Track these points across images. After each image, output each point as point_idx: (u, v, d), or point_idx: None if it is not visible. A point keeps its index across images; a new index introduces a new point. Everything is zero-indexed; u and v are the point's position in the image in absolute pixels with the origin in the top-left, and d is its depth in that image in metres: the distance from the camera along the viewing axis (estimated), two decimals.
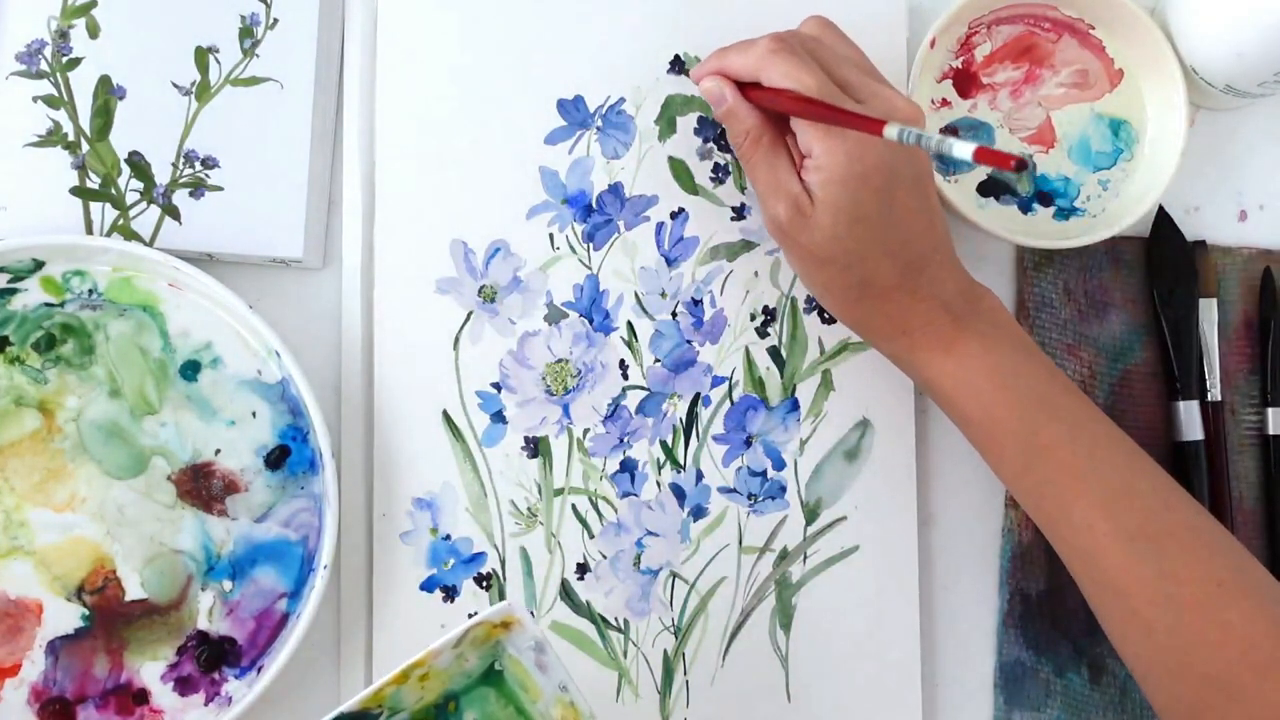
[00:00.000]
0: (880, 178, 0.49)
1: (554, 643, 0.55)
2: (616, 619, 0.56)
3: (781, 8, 0.58)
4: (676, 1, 0.58)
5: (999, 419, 0.51)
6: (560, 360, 0.56)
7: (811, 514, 0.57)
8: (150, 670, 0.53)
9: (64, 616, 0.53)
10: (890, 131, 0.44)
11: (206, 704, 0.53)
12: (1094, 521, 0.49)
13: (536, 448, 0.56)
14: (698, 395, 0.57)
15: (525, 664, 0.48)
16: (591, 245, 0.57)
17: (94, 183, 0.54)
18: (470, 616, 0.55)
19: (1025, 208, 0.59)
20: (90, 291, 0.54)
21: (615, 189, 0.57)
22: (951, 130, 0.59)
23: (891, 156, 0.49)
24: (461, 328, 0.56)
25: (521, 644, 0.47)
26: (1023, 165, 0.39)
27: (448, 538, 0.55)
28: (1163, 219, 0.60)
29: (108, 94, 0.54)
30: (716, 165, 0.58)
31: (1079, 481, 0.50)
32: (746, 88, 0.51)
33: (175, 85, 0.55)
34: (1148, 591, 0.48)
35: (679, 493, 0.57)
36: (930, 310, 0.51)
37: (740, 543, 0.57)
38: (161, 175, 0.54)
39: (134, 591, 0.53)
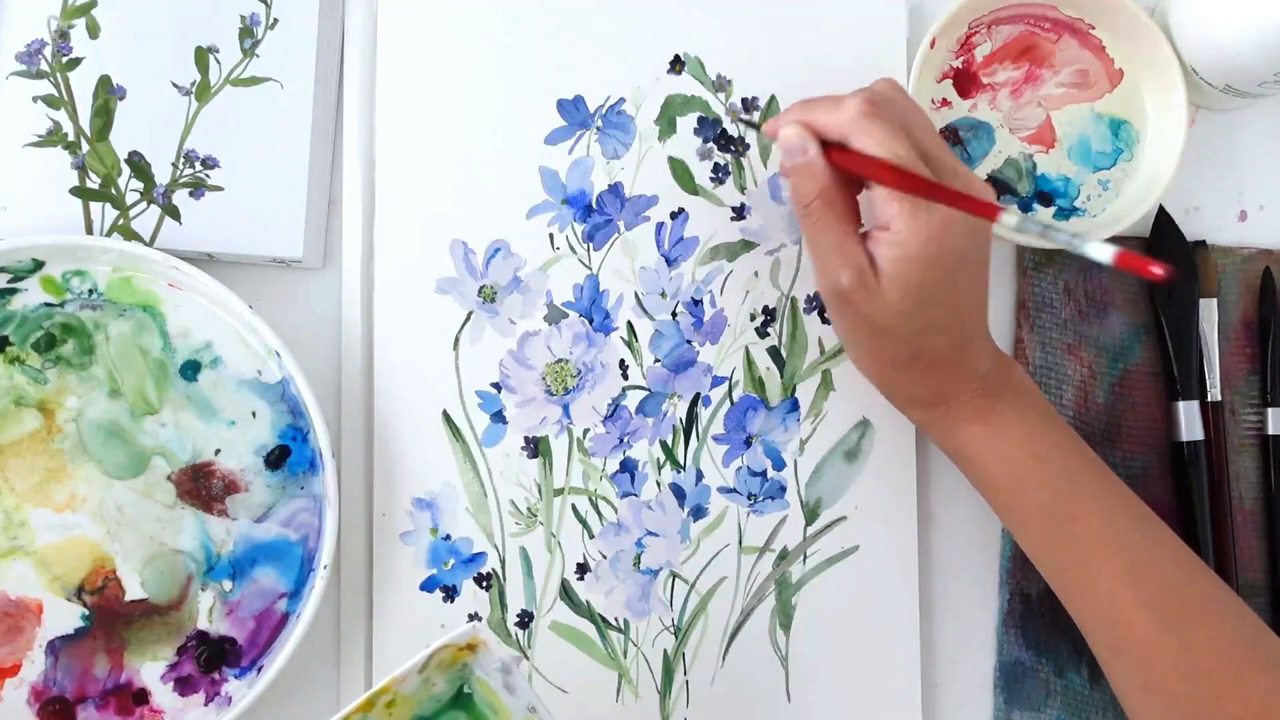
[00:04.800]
0: (952, 258, 0.48)
1: (554, 643, 0.55)
2: (616, 619, 0.56)
3: (782, 8, 0.58)
4: (676, 1, 0.58)
5: (1027, 487, 0.51)
6: (560, 360, 0.56)
7: (811, 514, 0.57)
8: (150, 670, 0.53)
9: (64, 616, 0.53)
10: (1008, 220, 0.43)
11: (206, 704, 0.53)
12: (1118, 591, 0.50)
13: (536, 448, 0.56)
14: (698, 395, 0.57)
15: (494, 686, 0.47)
16: (591, 245, 0.57)
17: (94, 183, 0.54)
18: (470, 617, 0.55)
19: (1025, 208, 0.59)
20: (90, 291, 0.54)
21: (615, 189, 0.57)
22: (951, 131, 0.59)
23: (966, 239, 0.48)
24: (461, 328, 0.56)
25: (489, 666, 0.47)
26: (1171, 276, 0.39)
27: (448, 538, 0.55)
28: (1163, 219, 0.60)
29: (108, 94, 0.54)
30: (716, 165, 0.58)
31: (1103, 552, 0.50)
32: (828, 149, 0.49)
33: (175, 85, 0.55)
34: (1170, 661, 0.49)
35: (679, 493, 0.57)
36: (968, 381, 0.51)
37: (740, 543, 0.57)
38: (161, 175, 0.54)
39: (134, 591, 0.53)
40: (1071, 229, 0.40)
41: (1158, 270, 0.39)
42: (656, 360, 0.57)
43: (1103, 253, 0.40)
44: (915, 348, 0.50)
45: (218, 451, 0.54)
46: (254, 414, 0.54)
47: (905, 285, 0.48)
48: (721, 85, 0.58)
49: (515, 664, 0.46)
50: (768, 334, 0.58)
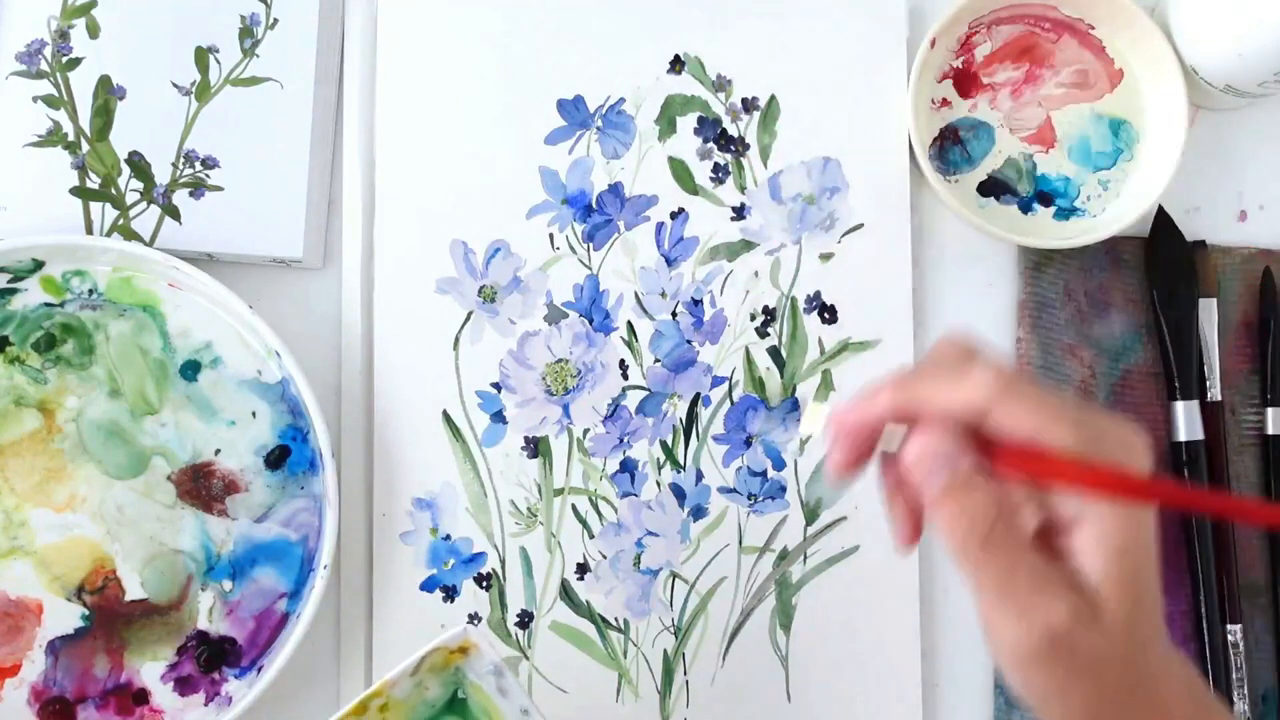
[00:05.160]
0: (1152, 538, 0.37)
1: (554, 643, 0.55)
2: (616, 619, 0.56)
3: (781, 8, 0.58)
4: (676, 1, 0.58)
5: None
6: (560, 360, 0.56)
7: (811, 514, 0.57)
8: (150, 670, 0.53)
9: (64, 616, 0.53)
10: None
11: (206, 704, 0.53)
12: None
13: (536, 448, 0.56)
14: (698, 395, 0.57)
15: (487, 689, 0.47)
16: (591, 245, 0.57)
17: (94, 183, 0.54)
18: (470, 617, 0.55)
19: (1025, 208, 0.59)
20: (90, 291, 0.54)
21: (615, 189, 0.57)
22: (951, 131, 0.59)
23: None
24: (461, 328, 0.56)
25: (481, 669, 0.46)
26: None
27: (448, 538, 0.55)
28: (1163, 219, 0.60)
29: (108, 94, 0.54)
30: (716, 165, 0.58)
31: None
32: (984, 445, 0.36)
33: (175, 85, 0.55)
34: None
35: (679, 493, 0.57)
36: (1177, 703, 0.38)
37: (740, 543, 0.57)
38: (161, 175, 0.54)
39: (134, 591, 0.53)
40: None
41: None
42: (656, 360, 0.57)
43: None
44: (1138, 673, 0.37)
45: (218, 451, 0.54)
46: (254, 414, 0.54)
47: (1129, 588, 0.36)
48: (721, 85, 0.58)
49: (508, 666, 0.45)
50: (768, 334, 0.58)
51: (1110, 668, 0.36)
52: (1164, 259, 0.60)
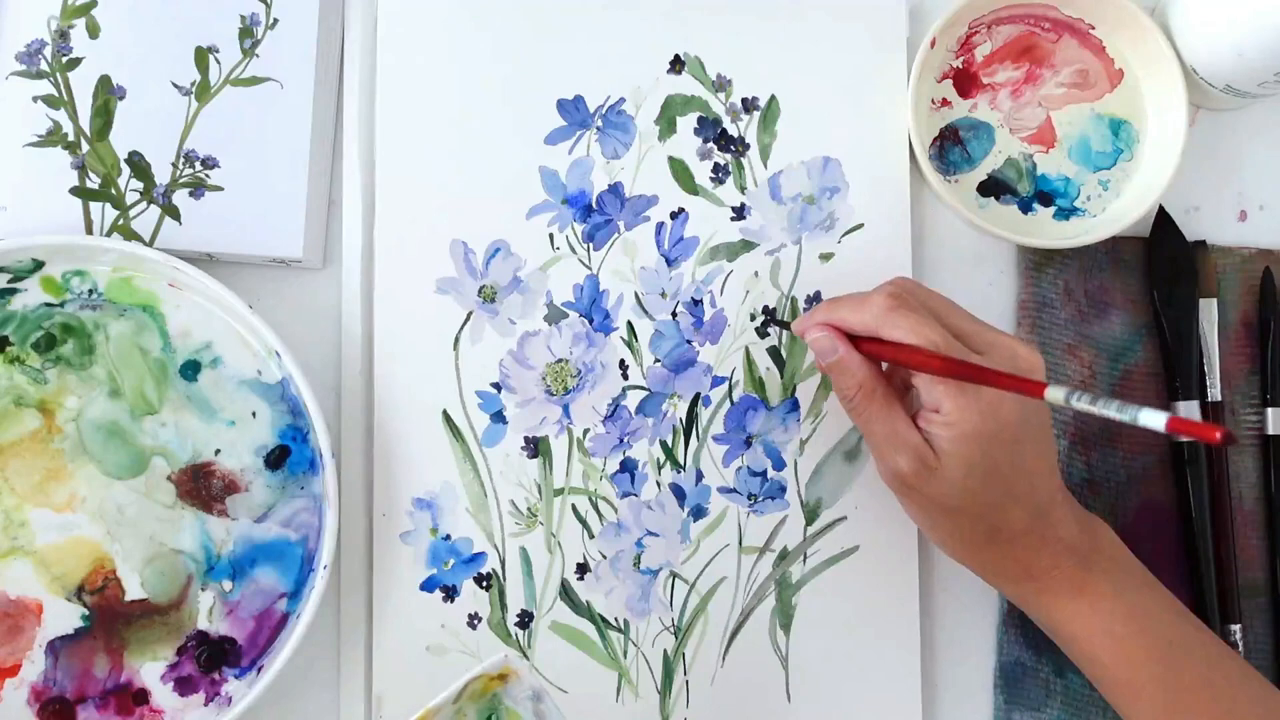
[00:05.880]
0: (1011, 431, 0.48)
1: (554, 643, 0.56)
2: (616, 619, 0.56)
3: (781, 8, 0.58)
4: (676, 1, 0.58)
5: (1138, 662, 0.50)
6: (560, 360, 0.56)
7: (811, 514, 0.57)
8: (150, 670, 0.53)
9: (64, 616, 0.53)
10: (1055, 395, 0.43)
11: (206, 704, 0.53)
12: None
13: (536, 448, 0.56)
14: (698, 395, 0.57)
15: (523, 714, 0.48)
16: (591, 245, 0.57)
17: (94, 183, 0.54)
18: (470, 617, 0.55)
19: (1025, 208, 0.59)
20: (90, 291, 0.54)
21: (615, 189, 0.57)
22: (951, 131, 0.59)
23: (1022, 410, 0.48)
24: (461, 328, 0.56)
25: (519, 694, 0.47)
26: (1230, 439, 0.37)
27: (448, 538, 0.55)
28: (1163, 219, 0.60)
29: (108, 94, 0.54)
30: (716, 165, 0.58)
31: None
32: (860, 341, 0.50)
33: (175, 85, 0.55)
34: None
35: (679, 493, 0.57)
36: (1056, 553, 0.50)
37: (740, 543, 0.57)
38: (161, 175, 0.54)
39: (134, 591, 0.53)
40: (1119, 400, 0.40)
41: (1216, 435, 0.37)
42: (656, 360, 0.57)
43: (1155, 420, 0.39)
44: (991, 524, 0.49)
45: (218, 451, 0.54)
46: (254, 414, 0.54)
47: (968, 463, 0.48)
48: (721, 85, 0.58)
49: (546, 691, 0.46)
50: (768, 334, 0.58)
51: (957, 513, 0.49)
52: (1164, 259, 0.60)
